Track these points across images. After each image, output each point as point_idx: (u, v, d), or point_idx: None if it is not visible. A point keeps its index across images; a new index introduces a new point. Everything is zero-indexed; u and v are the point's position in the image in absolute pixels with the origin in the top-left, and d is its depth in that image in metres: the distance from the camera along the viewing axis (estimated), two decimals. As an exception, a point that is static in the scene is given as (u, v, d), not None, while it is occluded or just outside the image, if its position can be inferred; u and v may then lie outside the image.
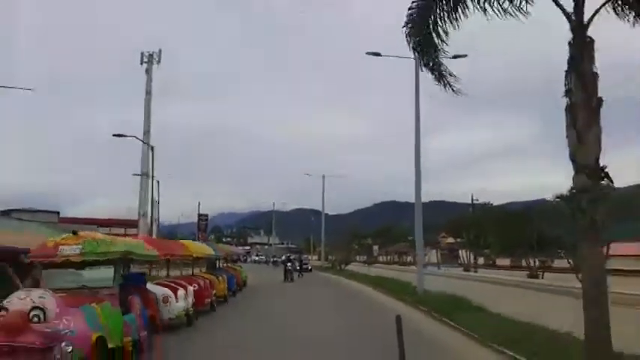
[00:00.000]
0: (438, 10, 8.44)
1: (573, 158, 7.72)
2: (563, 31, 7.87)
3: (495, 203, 68.32)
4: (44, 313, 6.54)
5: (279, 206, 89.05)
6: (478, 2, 8.24)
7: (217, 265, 20.12)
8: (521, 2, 8.11)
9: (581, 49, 7.68)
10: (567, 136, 7.82)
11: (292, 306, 18.47)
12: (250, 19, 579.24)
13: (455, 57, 11.38)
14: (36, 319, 6.47)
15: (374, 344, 9.82)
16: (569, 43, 7.76)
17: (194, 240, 34.19)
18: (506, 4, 8.21)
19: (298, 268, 38.96)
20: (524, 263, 45.54)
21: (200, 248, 17.16)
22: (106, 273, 8.32)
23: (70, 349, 6.46)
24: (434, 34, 8.56)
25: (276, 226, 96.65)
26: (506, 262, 59.56)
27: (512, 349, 8.58)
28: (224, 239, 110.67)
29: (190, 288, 12.49)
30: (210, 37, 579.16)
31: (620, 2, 8.22)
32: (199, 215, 44.33)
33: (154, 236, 34.23)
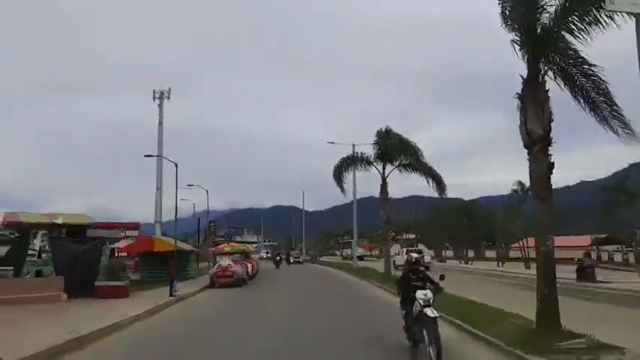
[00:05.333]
0: (342, 168, 27.88)
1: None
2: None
3: (472, 197, 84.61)
4: (232, 265, 25.70)
5: (256, 203, 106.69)
6: (353, 167, 27.74)
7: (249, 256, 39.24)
8: (366, 167, 27.60)
9: (384, 185, 27.17)
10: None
11: (290, 273, 37.96)
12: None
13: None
14: (230, 266, 25.62)
15: (319, 275, 29.36)
16: (380, 184, 27.25)
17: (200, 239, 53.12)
18: (365, 168, 27.70)
19: (292, 260, 60.12)
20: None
21: (249, 247, 36.62)
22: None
23: (240, 276, 25.78)
24: (341, 176, 28.01)
25: (256, 224, 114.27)
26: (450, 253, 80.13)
27: (373, 279, 27.92)
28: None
29: (250, 264, 31.54)
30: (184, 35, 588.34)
31: (401, 168, 27.59)
32: (210, 222, 62.69)
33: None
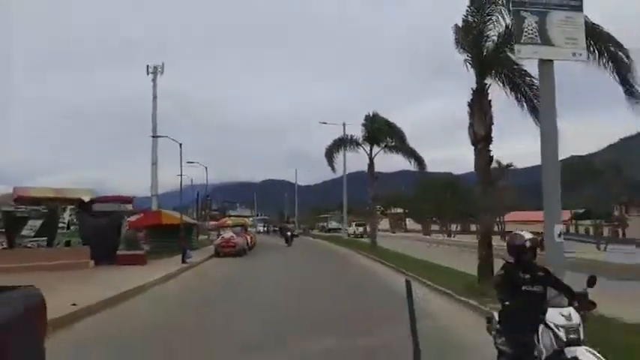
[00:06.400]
0: (333, 149, 30.96)
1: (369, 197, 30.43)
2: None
3: (460, 172, 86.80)
4: (235, 236, 28.99)
5: (249, 177, 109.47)
6: (343, 148, 30.82)
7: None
8: (355, 148, 30.71)
9: (371, 164, 30.27)
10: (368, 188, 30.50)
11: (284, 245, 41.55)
12: None
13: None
14: (232, 238, 28.88)
15: (310, 245, 32.66)
16: (367, 164, 30.34)
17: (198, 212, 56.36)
18: (354, 149, 30.76)
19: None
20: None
21: (248, 221, 39.93)
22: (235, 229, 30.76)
23: (242, 247, 29.08)
24: (333, 155, 31.09)
25: (248, 197, 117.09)
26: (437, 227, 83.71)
27: (351, 247, 31.39)
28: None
29: (249, 237, 34.75)
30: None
31: (386, 149, 30.60)
32: (206, 196, 65.65)
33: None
